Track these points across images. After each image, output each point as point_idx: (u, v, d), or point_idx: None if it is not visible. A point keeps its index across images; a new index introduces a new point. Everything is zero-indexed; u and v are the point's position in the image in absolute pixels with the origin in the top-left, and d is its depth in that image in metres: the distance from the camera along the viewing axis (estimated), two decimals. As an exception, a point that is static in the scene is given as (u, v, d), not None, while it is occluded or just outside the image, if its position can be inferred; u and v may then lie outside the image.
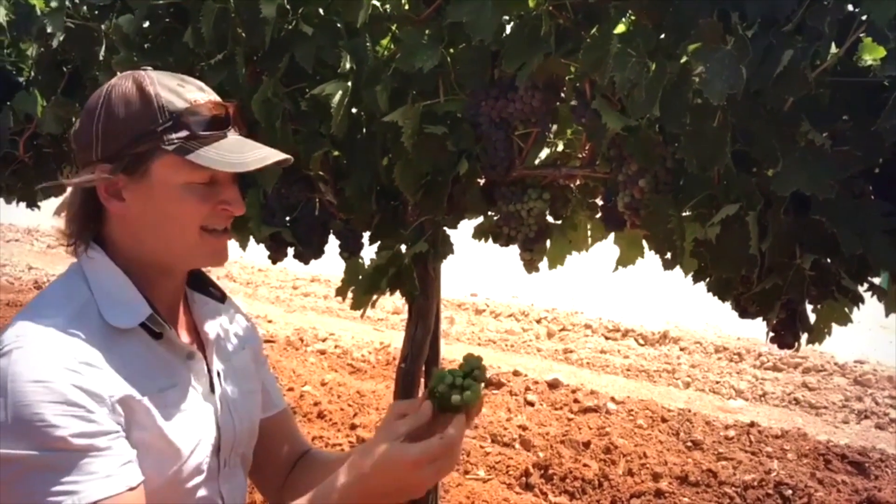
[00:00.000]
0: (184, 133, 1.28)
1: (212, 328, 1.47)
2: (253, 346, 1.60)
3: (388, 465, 1.22)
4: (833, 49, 1.45)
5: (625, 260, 2.18)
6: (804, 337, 1.76)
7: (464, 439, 1.28)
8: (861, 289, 1.67)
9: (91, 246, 1.34)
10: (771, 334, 1.76)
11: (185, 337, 1.42)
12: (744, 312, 1.76)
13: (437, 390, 1.26)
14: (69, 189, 1.40)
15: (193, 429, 1.33)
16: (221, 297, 1.55)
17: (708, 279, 1.80)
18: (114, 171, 1.29)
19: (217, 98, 1.35)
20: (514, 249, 2.18)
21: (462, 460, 4.64)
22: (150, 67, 1.37)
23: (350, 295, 2.27)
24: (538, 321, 8.70)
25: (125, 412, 1.22)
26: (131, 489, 1.18)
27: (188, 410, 1.33)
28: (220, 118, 1.32)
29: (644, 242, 2.07)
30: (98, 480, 1.15)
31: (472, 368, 1.29)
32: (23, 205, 3.73)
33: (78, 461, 1.14)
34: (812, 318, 1.77)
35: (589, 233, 2.26)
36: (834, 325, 1.80)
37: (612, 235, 2.15)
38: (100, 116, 1.29)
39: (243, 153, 1.31)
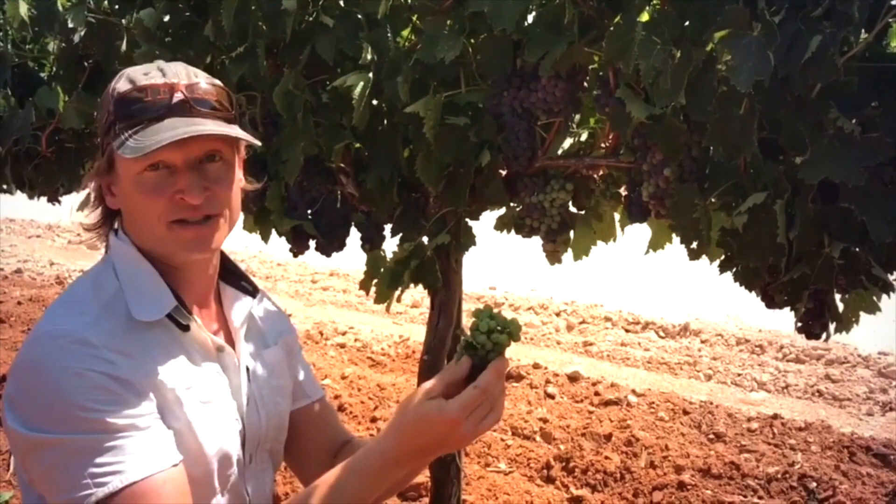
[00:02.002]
0: (123, 123, 1.26)
1: (242, 322, 1.47)
2: (287, 339, 1.59)
3: (426, 423, 1.19)
4: (862, 34, 1.43)
5: (656, 244, 2.16)
6: (832, 327, 1.74)
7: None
8: (891, 277, 1.65)
9: (119, 236, 1.35)
10: (798, 324, 1.74)
11: (215, 330, 1.42)
12: (771, 302, 1.74)
13: (468, 341, 1.24)
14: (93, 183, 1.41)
15: (219, 423, 1.33)
16: (253, 290, 1.54)
17: (735, 269, 1.78)
18: (98, 167, 1.32)
19: (184, 80, 1.29)
20: (533, 242, 2.16)
21: (483, 453, 4.64)
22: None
23: (373, 288, 2.26)
24: (557, 314, 8.68)
25: (158, 399, 1.23)
26: (174, 466, 1.20)
27: (215, 404, 1.33)
28: (160, 102, 1.26)
29: (671, 229, 2.05)
30: (141, 458, 1.16)
31: (502, 325, 1.25)
32: (44, 200, 3.75)
33: (120, 441, 1.15)
34: (840, 307, 1.75)
35: (617, 222, 2.24)
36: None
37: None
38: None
39: (159, 135, 1.22)
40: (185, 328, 1.32)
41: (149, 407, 1.21)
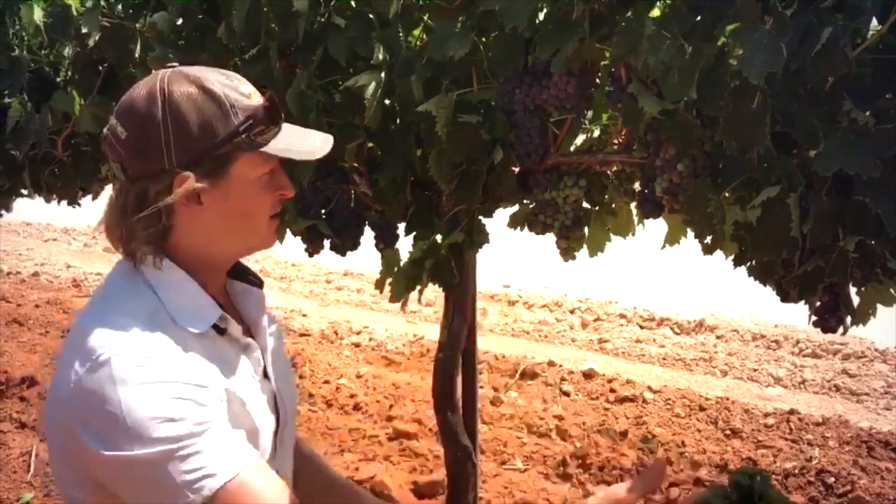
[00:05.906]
0: (259, 128, 1.30)
1: (259, 315, 1.49)
2: (279, 329, 1.61)
3: None
4: (876, 26, 1.43)
5: (672, 238, 2.16)
6: (848, 320, 1.73)
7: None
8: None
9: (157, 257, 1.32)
10: (814, 318, 1.73)
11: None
12: (786, 296, 1.73)
13: None
14: (109, 198, 1.37)
15: (261, 416, 1.35)
16: (260, 283, 1.55)
17: (749, 263, 1.78)
18: (198, 177, 1.26)
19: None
20: (546, 240, 2.16)
21: (499, 451, 4.65)
22: (176, 64, 1.36)
23: (388, 288, 2.27)
24: (572, 311, 8.67)
25: (225, 400, 1.26)
26: (258, 460, 1.23)
27: (254, 399, 1.35)
28: (276, 107, 1.33)
29: (686, 224, 2.04)
30: (228, 458, 1.17)
31: None
32: (61, 204, 3.77)
33: (205, 444, 1.16)
34: (856, 300, 1.74)
35: (635, 217, 2.24)
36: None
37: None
38: (167, 124, 1.25)
39: (304, 139, 1.38)
40: (223, 331, 1.34)
41: (221, 407, 1.23)
